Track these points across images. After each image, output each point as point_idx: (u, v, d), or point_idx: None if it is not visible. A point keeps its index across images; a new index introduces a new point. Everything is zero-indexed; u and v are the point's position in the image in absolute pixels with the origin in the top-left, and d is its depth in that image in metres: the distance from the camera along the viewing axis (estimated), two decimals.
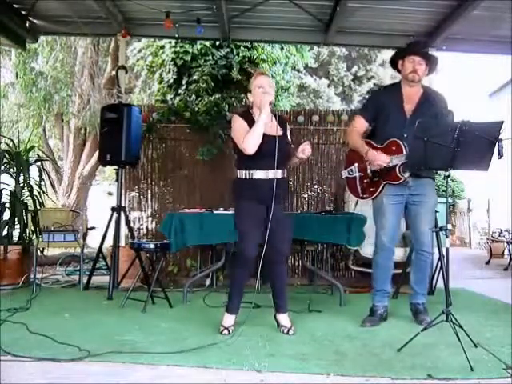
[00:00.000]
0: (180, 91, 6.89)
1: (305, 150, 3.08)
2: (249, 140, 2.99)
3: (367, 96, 9.89)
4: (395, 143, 3.31)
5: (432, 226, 3.43)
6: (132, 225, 5.28)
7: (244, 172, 3.11)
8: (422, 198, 3.39)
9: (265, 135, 3.03)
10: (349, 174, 3.60)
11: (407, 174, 3.31)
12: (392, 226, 3.43)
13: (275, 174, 3.07)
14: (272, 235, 3.07)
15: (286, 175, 3.19)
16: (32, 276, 4.72)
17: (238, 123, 3.12)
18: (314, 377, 2.34)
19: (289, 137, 3.24)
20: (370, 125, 3.55)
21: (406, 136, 3.28)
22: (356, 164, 3.55)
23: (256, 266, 3.02)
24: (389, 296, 3.55)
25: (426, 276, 3.61)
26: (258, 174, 3.07)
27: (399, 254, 3.74)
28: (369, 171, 3.47)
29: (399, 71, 3.50)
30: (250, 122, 3.07)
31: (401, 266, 4.37)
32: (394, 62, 3.56)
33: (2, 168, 5.12)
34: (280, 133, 3.14)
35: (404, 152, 3.25)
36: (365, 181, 3.51)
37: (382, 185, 3.42)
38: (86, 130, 8.94)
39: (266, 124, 3.04)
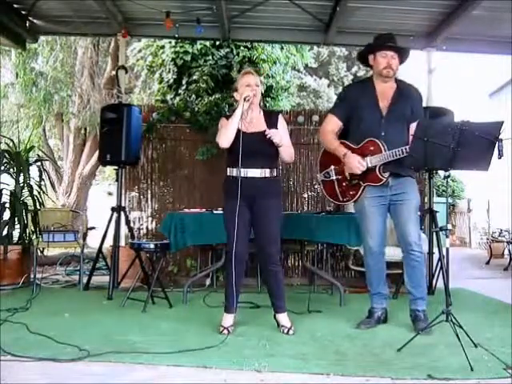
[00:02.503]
0: (180, 91, 6.87)
1: (272, 136, 3.02)
2: (221, 134, 3.07)
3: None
4: (373, 143, 3.20)
5: (417, 225, 3.32)
6: (132, 225, 5.28)
7: (229, 170, 3.17)
8: (404, 197, 3.26)
9: (244, 133, 3.03)
10: (325, 177, 3.45)
11: (387, 174, 3.22)
12: (377, 229, 3.31)
13: (255, 172, 3.07)
14: (258, 236, 3.09)
15: (271, 174, 3.13)
16: (32, 276, 4.72)
17: (222, 123, 3.20)
18: (313, 377, 2.34)
19: (280, 132, 3.11)
20: (343, 124, 3.37)
21: (383, 135, 3.19)
22: (332, 166, 3.39)
23: (247, 264, 3.01)
24: (387, 298, 3.47)
25: (423, 278, 3.34)
26: (239, 172, 3.06)
27: (397, 253, 3.69)
28: (347, 174, 3.33)
29: (371, 66, 3.36)
30: None
31: (400, 266, 4.36)
32: (363, 58, 3.39)
33: (2, 168, 5.12)
34: (263, 129, 3.09)
35: (383, 152, 3.16)
36: (344, 184, 3.37)
37: (362, 187, 3.29)
38: (86, 130, 8.93)
39: (248, 121, 3.06)
